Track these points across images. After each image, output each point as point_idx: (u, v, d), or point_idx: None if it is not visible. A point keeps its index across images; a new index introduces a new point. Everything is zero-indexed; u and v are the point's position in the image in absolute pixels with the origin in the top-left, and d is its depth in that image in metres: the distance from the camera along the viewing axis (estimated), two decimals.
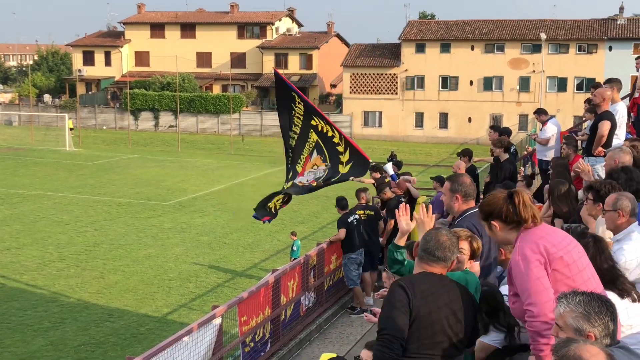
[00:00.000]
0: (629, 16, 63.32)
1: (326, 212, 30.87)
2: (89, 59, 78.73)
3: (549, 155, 14.35)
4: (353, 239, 13.08)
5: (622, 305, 4.62)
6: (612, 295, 4.69)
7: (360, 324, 12.30)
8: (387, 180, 15.14)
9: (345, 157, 10.07)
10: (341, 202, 13.35)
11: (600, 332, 3.50)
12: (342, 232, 13.05)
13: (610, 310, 3.54)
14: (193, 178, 42.66)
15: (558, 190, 8.77)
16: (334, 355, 6.04)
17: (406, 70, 64.74)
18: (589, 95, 16.84)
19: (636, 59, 13.31)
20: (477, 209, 5.93)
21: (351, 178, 11.16)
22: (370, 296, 13.57)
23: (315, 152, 10.22)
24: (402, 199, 14.55)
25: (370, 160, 10.97)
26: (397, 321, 4.20)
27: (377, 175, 15.30)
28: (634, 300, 4.76)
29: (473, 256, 5.34)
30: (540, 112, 14.48)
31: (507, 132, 16.07)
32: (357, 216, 13.32)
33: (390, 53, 66.55)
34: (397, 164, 17.30)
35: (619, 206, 5.70)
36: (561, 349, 3.00)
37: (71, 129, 66.26)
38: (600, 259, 4.86)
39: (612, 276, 4.83)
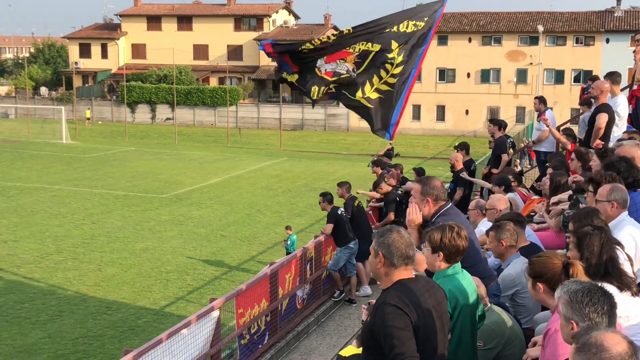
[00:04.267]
0: (627, 8, 63.33)
1: None
2: (85, 52, 78.56)
3: (546, 147, 14.39)
4: (345, 231, 13.06)
5: (620, 298, 4.63)
6: (610, 288, 4.71)
7: (358, 317, 12.31)
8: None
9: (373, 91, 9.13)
10: (327, 197, 13.30)
11: (581, 322, 3.52)
12: (329, 228, 13.02)
13: (593, 302, 3.55)
14: (190, 171, 42.62)
15: (558, 182, 8.80)
16: (358, 351, 5.95)
17: None
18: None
19: (634, 51, 13.29)
20: (449, 205, 5.97)
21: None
22: (367, 285, 13.61)
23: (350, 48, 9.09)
24: (399, 191, 14.60)
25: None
26: (412, 343, 4.08)
27: (379, 170, 15.34)
28: (633, 295, 4.77)
29: (437, 250, 5.07)
30: (541, 100, 14.45)
31: (500, 124, 16.12)
32: (343, 209, 13.29)
33: None
34: (388, 155, 17.35)
35: (613, 197, 5.79)
36: (582, 336, 3.00)
37: (88, 119, 67.14)
38: (605, 249, 4.89)
39: (613, 267, 4.85)
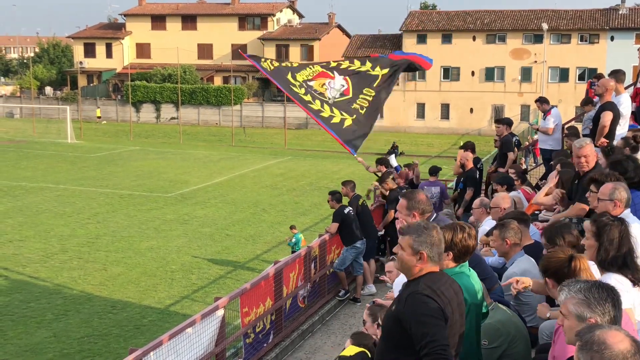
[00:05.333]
0: (631, 6, 63.13)
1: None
2: (90, 51, 78.68)
3: (551, 144, 14.38)
4: (352, 230, 13.06)
5: (631, 293, 4.67)
6: (624, 280, 4.73)
7: (362, 315, 12.32)
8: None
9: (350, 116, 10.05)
10: (335, 195, 13.31)
11: (601, 318, 3.52)
12: (334, 227, 13.03)
13: (610, 296, 3.56)
14: (195, 170, 42.67)
15: (565, 178, 8.82)
16: (361, 349, 5.98)
17: None
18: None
19: (639, 49, 13.31)
20: (434, 216, 5.99)
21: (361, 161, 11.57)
22: (371, 284, 13.62)
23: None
24: (404, 190, 14.59)
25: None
26: (444, 332, 4.14)
27: (383, 168, 15.34)
28: None
29: (446, 249, 5.19)
30: (542, 101, 14.48)
31: (509, 122, 16.14)
32: (350, 208, 13.29)
33: (392, 44, 66.43)
34: (394, 154, 17.40)
35: (616, 196, 5.78)
36: (585, 334, 3.01)
37: (99, 117, 67.56)
38: (624, 241, 4.90)
39: (631, 260, 4.87)
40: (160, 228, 27.30)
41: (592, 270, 4.97)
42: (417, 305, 4.15)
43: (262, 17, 75.76)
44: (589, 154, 7.42)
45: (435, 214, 6.07)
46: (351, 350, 6.02)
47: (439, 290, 4.23)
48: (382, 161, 15.85)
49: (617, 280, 4.64)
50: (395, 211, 14.33)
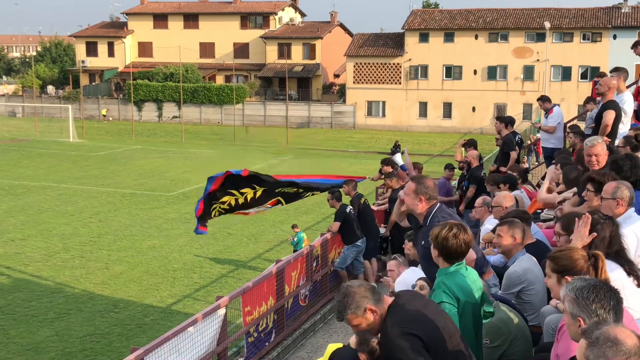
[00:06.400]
0: (634, 4, 63.00)
1: None
2: (92, 50, 78.70)
3: (553, 143, 14.37)
4: (353, 229, 13.05)
5: (625, 283, 4.67)
6: (622, 275, 4.73)
7: None
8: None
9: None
10: (335, 194, 13.30)
11: (587, 318, 3.53)
12: (336, 226, 13.02)
13: (600, 298, 3.56)
14: (197, 169, 42.64)
15: (569, 176, 8.80)
16: (341, 344, 6.03)
17: (410, 59, 64.58)
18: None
19: (632, 47, 13.31)
20: (437, 206, 5.99)
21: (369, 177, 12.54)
22: (373, 283, 13.61)
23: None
24: None
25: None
26: None
27: (389, 169, 15.32)
28: (638, 286, 4.79)
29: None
30: (544, 100, 14.48)
31: (511, 121, 16.10)
32: (351, 207, 13.29)
33: (394, 42, 66.38)
34: (397, 153, 17.41)
35: (618, 195, 5.77)
36: (593, 331, 3.02)
37: (104, 116, 69.26)
38: (615, 240, 4.90)
39: (622, 254, 4.88)
40: (162, 227, 27.30)
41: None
42: (390, 350, 4.22)
43: (264, 16, 75.75)
44: (600, 153, 7.38)
45: (438, 204, 6.08)
46: (330, 348, 6.10)
47: (407, 318, 4.27)
48: (388, 161, 15.81)
49: (615, 276, 4.64)
50: None
